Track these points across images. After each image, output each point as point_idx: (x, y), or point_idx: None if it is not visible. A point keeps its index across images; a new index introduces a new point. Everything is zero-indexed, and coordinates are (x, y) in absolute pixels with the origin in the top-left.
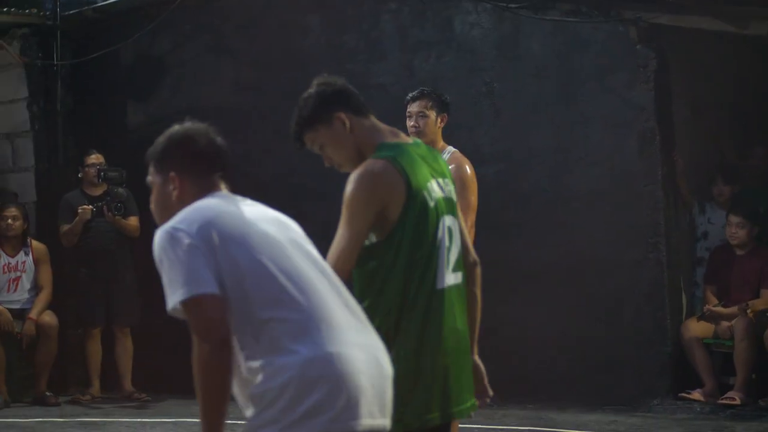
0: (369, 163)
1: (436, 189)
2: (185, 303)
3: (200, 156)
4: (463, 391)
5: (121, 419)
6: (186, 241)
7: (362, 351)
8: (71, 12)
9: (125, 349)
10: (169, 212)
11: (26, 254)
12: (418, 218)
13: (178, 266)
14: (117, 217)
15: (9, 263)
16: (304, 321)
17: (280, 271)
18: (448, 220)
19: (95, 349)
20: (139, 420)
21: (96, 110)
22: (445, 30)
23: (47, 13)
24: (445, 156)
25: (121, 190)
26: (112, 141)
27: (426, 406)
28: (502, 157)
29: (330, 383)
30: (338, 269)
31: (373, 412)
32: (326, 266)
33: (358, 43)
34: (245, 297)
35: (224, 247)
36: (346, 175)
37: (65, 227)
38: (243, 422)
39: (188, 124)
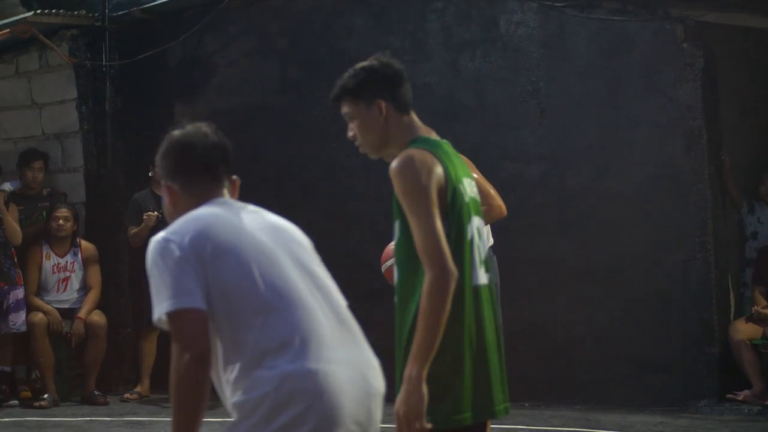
0: (410, 152)
1: (467, 187)
2: (169, 315)
3: (190, 164)
4: (498, 392)
5: (167, 418)
6: (176, 253)
7: (348, 368)
8: (120, 13)
9: (151, 351)
10: (170, 221)
11: (75, 254)
12: (457, 212)
13: (165, 278)
14: None
15: (58, 263)
16: (286, 336)
17: (268, 284)
18: (476, 221)
19: (150, 349)
20: None
21: (144, 110)
22: (491, 29)
23: (96, 14)
24: None
25: None
26: (160, 141)
27: (458, 405)
28: (548, 156)
29: (306, 400)
30: (436, 259)
31: (353, 431)
32: (324, 279)
33: (403, 43)
34: (231, 309)
35: (214, 259)
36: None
37: (133, 229)
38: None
39: (183, 130)
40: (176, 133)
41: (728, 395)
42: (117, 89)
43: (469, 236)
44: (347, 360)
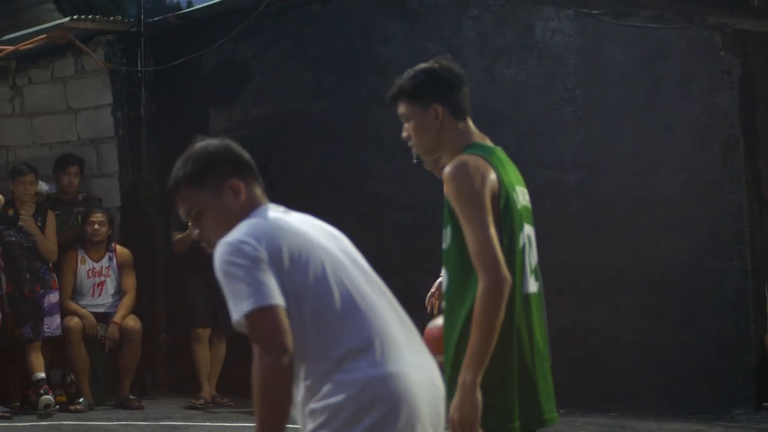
0: (464, 158)
1: (520, 195)
2: (250, 315)
3: (243, 162)
4: (546, 401)
5: (204, 423)
6: (252, 253)
7: (419, 371)
8: (155, 19)
9: (217, 355)
10: (231, 225)
11: (110, 259)
12: (509, 219)
13: (243, 278)
14: None
15: (93, 268)
16: (364, 339)
17: (341, 288)
18: (527, 228)
19: (203, 353)
20: (221, 424)
21: (179, 116)
22: (527, 36)
23: (132, 20)
24: None
25: None
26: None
27: (507, 414)
28: (584, 164)
29: (389, 404)
30: (491, 265)
31: None
32: (379, 280)
33: (439, 49)
34: (306, 313)
35: (290, 262)
36: (425, 180)
37: (177, 235)
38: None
39: (206, 140)
40: (208, 140)
41: (764, 404)
42: (152, 95)
43: (520, 244)
44: (418, 363)
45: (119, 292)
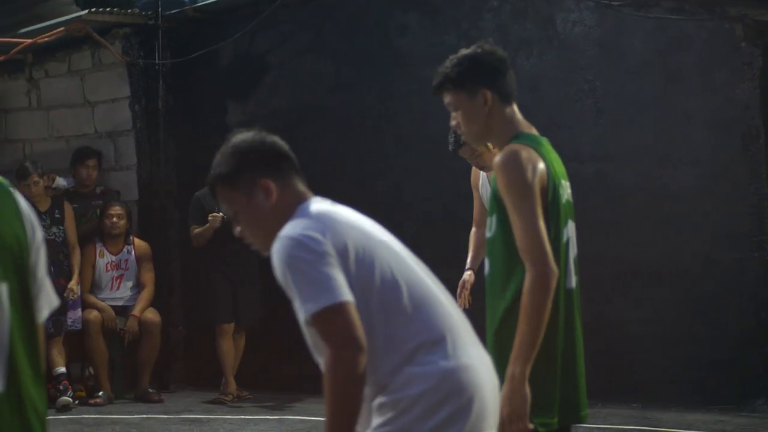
0: (516, 147)
1: (565, 188)
2: (321, 313)
3: (275, 156)
4: (583, 396)
5: (225, 416)
6: (318, 247)
7: (482, 364)
8: (172, 11)
9: (237, 348)
10: (268, 227)
11: (129, 252)
12: (556, 212)
13: (310, 274)
14: None
15: (112, 261)
16: (436, 332)
17: (408, 282)
18: (570, 223)
19: (229, 347)
20: (242, 417)
21: (196, 109)
22: (547, 28)
23: (149, 12)
24: None
25: None
26: (212, 140)
27: (548, 409)
28: (604, 155)
29: (463, 397)
30: (539, 257)
31: (492, 424)
32: (432, 274)
33: (458, 41)
34: (373, 308)
35: (356, 256)
36: (445, 172)
37: (196, 229)
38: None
39: (240, 134)
40: (246, 134)
41: None
42: (169, 88)
43: (565, 238)
44: (480, 356)
45: (138, 286)
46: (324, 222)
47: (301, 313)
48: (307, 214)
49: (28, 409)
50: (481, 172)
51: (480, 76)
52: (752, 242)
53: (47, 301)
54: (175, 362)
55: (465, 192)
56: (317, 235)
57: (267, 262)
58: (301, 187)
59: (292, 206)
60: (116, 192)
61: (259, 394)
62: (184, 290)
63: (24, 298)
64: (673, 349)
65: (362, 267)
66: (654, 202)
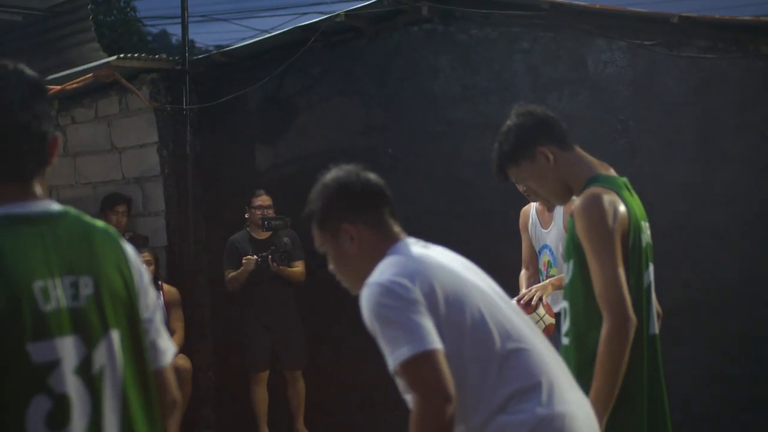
0: (597, 192)
1: (645, 231)
2: (409, 361)
3: (365, 197)
4: None
5: None
6: (406, 294)
7: (580, 409)
8: (200, 56)
9: (297, 392)
10: (353, 268)
11: (158, 298)
12: (637, 257)
13: (399, 321)
14: (282, 267)
15: None
16: (530, 379)
17: (500, 328)
18: (651, 266)
19: (263, 395)
20: None
21: (224, 154)
22: (579, 68)
23: (176, 57)
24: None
25: (286, 238)
26: (241, 184)
27: None
28: (639, 195)
29: None
30: (617, 306)
31: None
32: (525, 315)
33: (489, 83)
34: (465, 355)
35: (446, 303)
36: (480, 215)
37: (231, 273)
38: None
39: (336, 170)
40: (339, 172)
41: None
42: (197, 132)
43: (646, 283)
44: (577, 401)
45: (167, 332)
46: (413, 267)
47: (390, 361)
48: (396, 259)
49: None
50: (531, 213)
51: (531, 138)
52: None
53: (167, 346)
54: (204, 408)
55: (500, 234)
56: (406, 282)
57: (307, 303)
58: (393, 228)
59: (381, 250)
60: (145, 237)
61: None
62: (214, 336)
63: (136, 346)
64: (713, 388)
65: (452, 312)
66: (692, 240)
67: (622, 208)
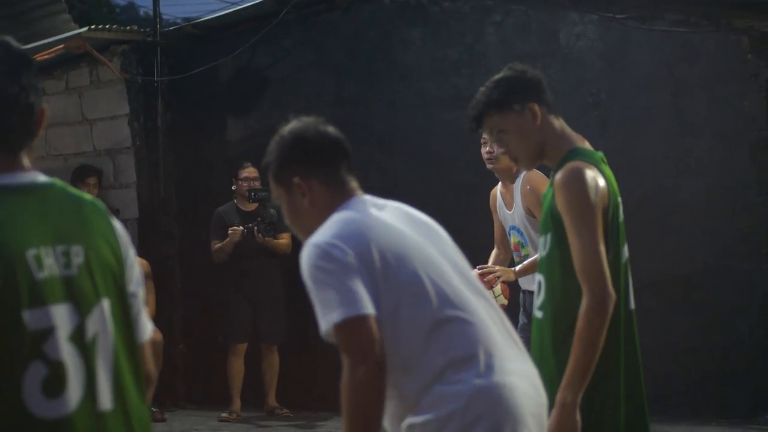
0: (579, 165)
1: (621, 207)
2: (340, 325)
3: (319, 152)
4: (647, 417)
5: None
6: (341, 258)
7: (523, 380)
8: (171, 28)
9: (271, 365)
10: (306, 223)
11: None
12: (615, 231)
13: (332, 285)
14: (267, 239)
15: None
16: (468, 348)
17: (440, 293)
18: (626, 245)
19: (238, 367)
20: None
21: (196, 126)
22: (551, 42)
23: (147, 29)
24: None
25: (272, 210)
26: (212, 156)
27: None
28: (611, 168)
29: (496, 416)
30: (598, 281)
31: None
32: (478, 282)
33: (461, 56)
34: (402, 321)
35: (384, 266)
36: (452, 186)
37: (216, 244)
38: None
39: (294, 122)
40: (288, 127)
41: None
42: (168, 104)
43: (624, 258)
44: (522, 372)
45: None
46: (351, 227)
47: (322, 323)
48: (339, 218)
49: (136, 426)
50: (497, 195)
51: (523, 92)
52: (762, 254)
53: (146, 322)
54: (174, 381)
55: (472, 207)
56: (342, 244)
57: (291, 276)
58: (348, 184)
59: (333, 206)
60: (116, 210)
61: (297, 412)
62: (185, 308)
63: (125, 316)
64: (683, 361)
65: (389, 274)
66: (662, 213)
67: (602, 182)
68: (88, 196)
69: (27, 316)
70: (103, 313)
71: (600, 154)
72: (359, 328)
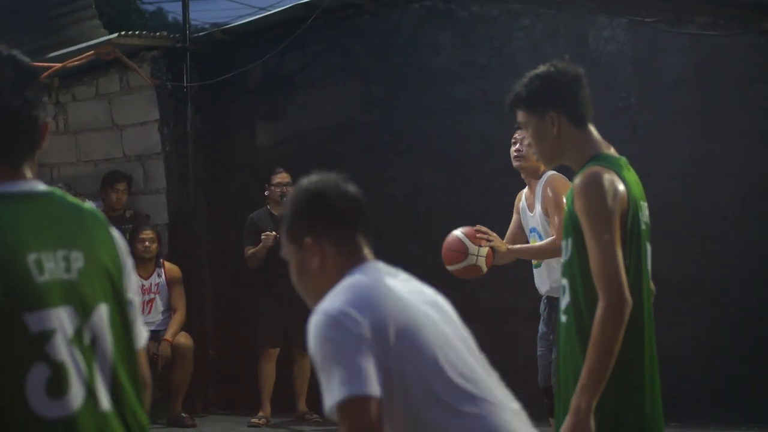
0: (597, 170)
1: (644, 210)
2: (343, 404)
3: (335, 213)
4: (662, 423)
5: None
6: (353, 329)
7: None
8: (200, 34)
9: (302, 370)
10: (313, 285)
11: (159, 276)
12: (635, 237)
13: (340, 359)
14: None
15: (143, 285)
16: (483, 428)
17: (455, 373)
18: (649, 247)
19: (269, 372)
20: None
21: (225, 131)
22: (580, 46)
23: (177, 35)
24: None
25: None
26: (242, 162)
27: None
28: (640, 172)
29: None
30: (614, 286)
31: None
32: (486, 362)
33: (489, 60)
34: (413, 401)
35: (398, 340)
36: (479, 192)
37: (250, 250)
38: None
39: (315, 178)
40: (317, 181)
41: None
42: (198, 110)
43: (645, 264)
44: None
45: (169, 309)
46: (366, 295)
47: (325, 400)
48: (351, 283)
49: (133, 427)
50: (522, 197)
51: (550, 98)
52: None
53: (142, 330)
54: (205, 386)
55: (498, 210)
56: (354, 313)
57: None
58: (361, 248)
59: (343, 271)
60: (146, 216)
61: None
62: (215, 313)
63: (122, 322)
64: (713, 366)
65: (402, 354)
66: (692, 218)
67: (621, 187)
68: (87, 205)
69: (28, 318)
70: (101, 318)
71: (623, 159)
72: (361, 409)
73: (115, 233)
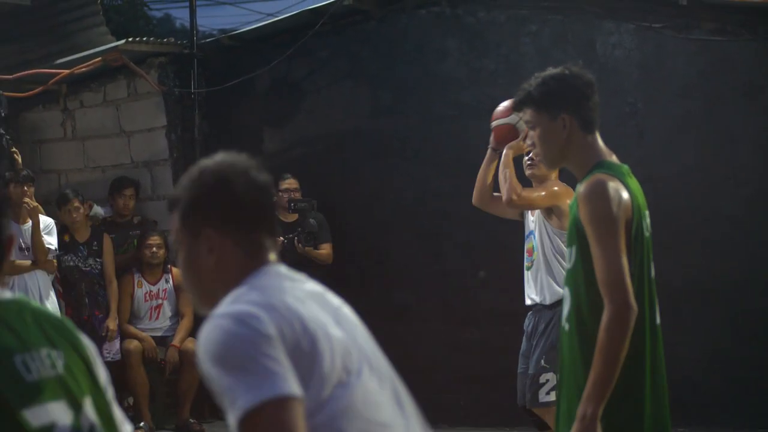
0: (602, 177)
1: (647, 220)
2: (256, 411)
3: (242, 206)
4: (668, 422)
5: None
6: (262, 329)
7: None
8: (207, 40)
9: None
10: (205, 285)
11: (167, 281)
12: (640, 245)
13: (249, 361)
14: (308, 249)
15: (150, 291)
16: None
17: (362, 394)
18: (651, 255)
19: None
20: None
21: (233, 137)
22: (587, 51)
23: (184, 41)
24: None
25: (312, 220)
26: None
27: None
28: (647, 178)
29: None
30: (619, 293)
31: None
32: (399, 384)
33: (497, 66)
34: (324, 420)
35: (311, 350)
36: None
37: None
38: None
39: (222, 158)
40: (224, 163)
41: None
42: (205, 116)
43: (649, 272)
44: None
45: (176, 315)
46: (273, 297)
47: (229, 415)
48: (254, 285)
49: None
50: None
51: (563, 100)
52: None
53: (122, 417)
54: (213, 393)
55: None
56: (261, 313)
57: (331, 286)
58: (265, 250)
59: (241, 273)
60: (154, 221)
61: None
62: None
63: (106, 411)
64: (722, 371)
65: (313, 367)
66: (700, 223)
67: (626, 195)
68: (50, 312)
69: (27, 414)
70: (90, 410)
71: (626, 167)
72: (281, 411)
73: (81, 335)
